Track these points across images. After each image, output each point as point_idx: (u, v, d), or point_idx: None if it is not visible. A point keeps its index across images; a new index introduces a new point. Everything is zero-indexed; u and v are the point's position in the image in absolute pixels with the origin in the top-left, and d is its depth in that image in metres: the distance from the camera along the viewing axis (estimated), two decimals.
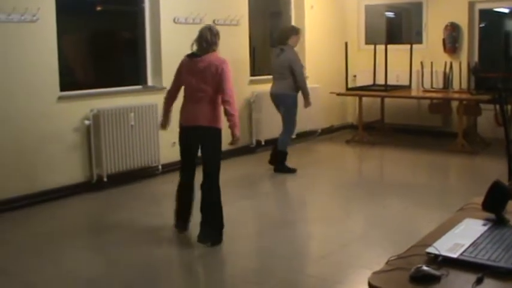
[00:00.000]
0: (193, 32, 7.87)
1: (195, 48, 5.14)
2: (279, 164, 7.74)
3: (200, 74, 5.01)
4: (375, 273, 2.08)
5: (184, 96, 5.20)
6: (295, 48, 7.89)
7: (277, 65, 7.70)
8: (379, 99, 10.09)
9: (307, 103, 7.75)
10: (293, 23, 10.19)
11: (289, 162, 7.78)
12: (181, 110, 5.20)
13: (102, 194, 6.74)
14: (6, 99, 6.13)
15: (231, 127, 4.97)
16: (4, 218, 5.92)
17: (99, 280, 4.46)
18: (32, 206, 6.22)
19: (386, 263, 2.16)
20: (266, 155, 8.62)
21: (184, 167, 5.33)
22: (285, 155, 7.78)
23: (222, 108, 5.01)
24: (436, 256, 2.12)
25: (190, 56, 5.14)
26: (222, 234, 5.05)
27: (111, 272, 4.61)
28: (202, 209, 5.04)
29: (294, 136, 8.83)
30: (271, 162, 7.82)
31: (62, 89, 6.62)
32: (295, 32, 7.85)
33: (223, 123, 5.07)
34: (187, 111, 5.13)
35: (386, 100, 10.09)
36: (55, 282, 4.42)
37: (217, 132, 5.06)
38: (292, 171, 7.69)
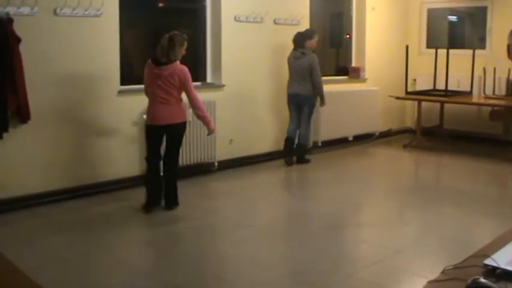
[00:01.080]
0: (254, 31, 8.03)
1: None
2: (301, 156, 8.25)
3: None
4: (430, 282, 2.05)
5: None
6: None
7: (299, 67, 7.99)
8: (438, 104, 9.92)
9: (322, 103, 8.29)
10: (354, 24, 10.16)
11: (345, 163, 7.77)
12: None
13: None
14: (69, 91, 6.29)
15: None
16: (64, 207, 6.08)
17: (153, 272, 4.52)
18: (90, 196, 6.36)
19: (442, 272, 2.13)
20: (322, 156, 8.64)
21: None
22: (306, 148, 8.39)
23: None
24: (495, 268, 2.07)
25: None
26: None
27: (164, 265, 4.67)
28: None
29: (351, 139, 8.86)
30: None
31: (123, 83, 6.74)
32: (309, 36, 8.05)
33: None
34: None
35: (446, 105, 9.91)
36: (111, 272, 4.51)
37: None
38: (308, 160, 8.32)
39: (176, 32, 5.86)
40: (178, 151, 6.09)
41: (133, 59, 7.58)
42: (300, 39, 8.02)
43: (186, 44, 5.87)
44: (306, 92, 8.00)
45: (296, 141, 8.23)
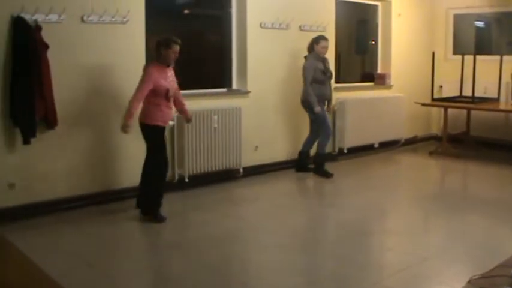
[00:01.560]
0: (279, 37, 8.04)
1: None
2: (318, 166, 7.98)
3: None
4: None
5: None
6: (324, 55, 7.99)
7: None
8: (465, 111, 9.84)
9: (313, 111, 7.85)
10: (379, 30, 10.12)
11: (370, 170, 7.71)
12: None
13: (183, 194, 6.85)
14: (96, 97, 6.35)
15: None
16: (90, 212, 6.15)
17: (177, 278, 4.53)
18: (115, 201, 6.41)
19: (469, 281, 2.11)
20: (348, 163, 8.61)
21: None
22: (324, 158, 8.04)
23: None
24: None
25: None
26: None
27: (189, 271, 4.68)
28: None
29: (376, 145, 8.79)
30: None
31: None
32: (316, 41, 7.87)
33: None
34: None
35: (473, 112, 9.83)
36: (136, 278, 4.53)
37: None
38: (328, 175, 7.88)
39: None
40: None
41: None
42: (309, 45, 7.94)
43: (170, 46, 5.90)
44: (304, 96, 7.90)
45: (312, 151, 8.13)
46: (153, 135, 5.96)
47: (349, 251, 5.17)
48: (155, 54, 5.95)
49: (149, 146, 5.99)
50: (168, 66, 5.96)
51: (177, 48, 5.90)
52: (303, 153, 8.17)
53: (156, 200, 5.99)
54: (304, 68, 7.81)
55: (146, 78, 5.79)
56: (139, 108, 5.84)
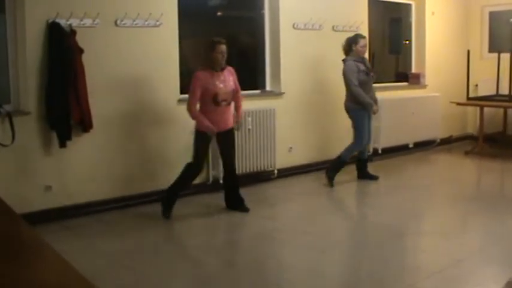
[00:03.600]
0: (312, 38, 8.03)
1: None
2: (331, 168, 7.53)
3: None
4: None
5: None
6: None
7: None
8: (501, 110, 9.71)
9: (372, 112, 7.47)
10: (413, 29, 10.05)
11: (405, 170, 7.63)
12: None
13: (217, 196, 6.87)
14: (130, 101, 6.42)
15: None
16: (125, 214, 6.21)
17: (212, 279, 4.55)
18: (150, 203, 6.44)
19: (506, 284, 2.07)
20: (383, 164, 8.56)
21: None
22: (342, 164, 7.52)
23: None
24: None
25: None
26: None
27: (224, 272, 4.69)
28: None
29: (411, 146, 8.67)
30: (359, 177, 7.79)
31: (182, 91, 6.82)
32: (354, 41, 7.42)
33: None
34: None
35: (510, 111, 9.69)
36: (172, 279, 4.56)
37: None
38: (331, 184, 7.42)
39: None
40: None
41: (193, 68, 7.66)
42: (346, 46, 7.49)
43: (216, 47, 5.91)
44: (347, 103, 7.47)
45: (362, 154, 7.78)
46: (196, 140, 6.02)
47: (384, 252, 5.14)
48: (203, 59, 5.97)
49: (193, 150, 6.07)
50: (217, 69, 5.92)
51: (223, 48, 5.88)
52: (360, 161, 7.80)
53: (170, 197, 6.08)
54: (346, 72, 7.31)
55: (194, 83, 5.83)
56: (197, 110, 5.91)
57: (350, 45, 7.43)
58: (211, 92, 5.80)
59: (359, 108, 7.35)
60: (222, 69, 5.96)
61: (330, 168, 7.53)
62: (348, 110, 7.49)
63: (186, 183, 6.19)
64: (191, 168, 6.06)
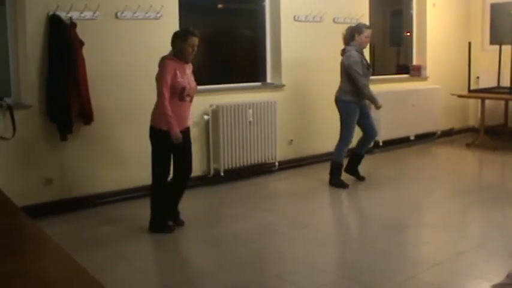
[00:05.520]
0: (313, 30, 8.01)
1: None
2: (333, 175, 7.08)
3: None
4: (494, 285, 2.01)
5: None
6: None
7: (340, 67, 6.96)
8: (503, 102, 9.70)
9: (376, 107, 7.03)
10: (414, 21, 10.02)
11: (406, 163, 7.62)
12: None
13: (218, 188, 6.88)
14: (130, 93, 6.41)
15: None
16: (127, 207, 6.22)
17: (213, 272, 4.55)
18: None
19: (507, 275, 2.07)
20: (383, 156, 8.54)
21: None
22: (340, 166, 7.08)
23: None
24: None
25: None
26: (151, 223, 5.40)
27: (225, 265, 4.70)
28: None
29: (412, 138, 8.63)
30: (345, 169, 7.27)
31: None
32: (358, 30, 6.89)
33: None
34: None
35: (511, 103, 9.67)
36: (172, 271, 4.56)
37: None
38: (344, 186, 6.99)
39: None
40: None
41: (194, 60, 7.64)
42: (348, 35, 6.94)
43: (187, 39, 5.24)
44: (337, 94, 7.00)
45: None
46: (155, 140, 5.34)
47: (385, 244, 5.14)
48: (172, 48, 5.34)
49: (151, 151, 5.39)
50: (186, 62, 5.30)
51: (195, 41, 5.24)
52: (355, 156, 7.34)
53: (162, 215, 5.44)
54: (351, 63, 6.75)
55: (165, 70, 5.12)
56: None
57: (352, 35, 6.91)
58: (179, 84, 5.16)
59: (349, 100, 6.89)
60: (187, 63, 5.35)
61: (332, 177, 7.08)
62: (339, 102, 6.99)
63: (165, 198, 5.44)
64: (156, 187, 5.40)
